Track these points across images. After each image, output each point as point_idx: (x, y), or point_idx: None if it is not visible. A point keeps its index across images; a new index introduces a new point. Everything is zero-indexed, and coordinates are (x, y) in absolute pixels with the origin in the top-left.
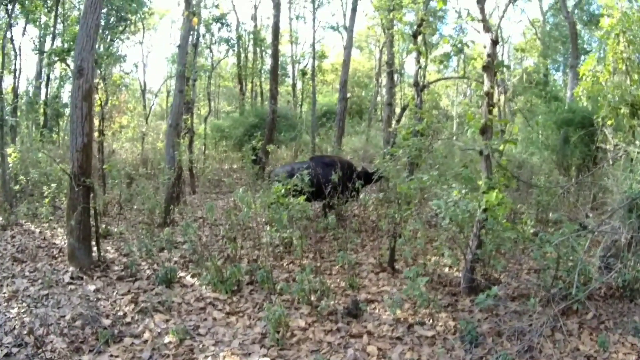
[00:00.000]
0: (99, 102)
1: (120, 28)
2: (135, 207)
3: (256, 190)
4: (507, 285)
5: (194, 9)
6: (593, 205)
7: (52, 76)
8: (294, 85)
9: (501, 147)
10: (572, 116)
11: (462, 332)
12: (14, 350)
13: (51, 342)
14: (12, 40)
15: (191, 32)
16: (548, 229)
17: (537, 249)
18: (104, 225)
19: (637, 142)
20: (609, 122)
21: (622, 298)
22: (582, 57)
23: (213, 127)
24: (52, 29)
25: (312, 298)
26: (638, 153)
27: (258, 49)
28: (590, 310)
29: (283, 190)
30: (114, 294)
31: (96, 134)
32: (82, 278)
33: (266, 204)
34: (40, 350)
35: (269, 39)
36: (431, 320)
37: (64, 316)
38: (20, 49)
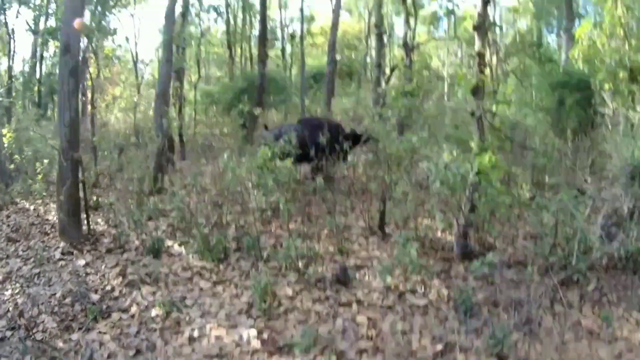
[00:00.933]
0: (91, 76)
1: (112, 2)
2: (126, 176)
3: (243, 155)
4: (503, 251)
5: None
6: (591, 170)
7: (46, 54)
8: (283, 49)
9: (494, 108)
10: (568, 79)
11: (456, 301)
12: (8, 333)
13: (42, 322)
14: (6, 24)
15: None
16: (545, 193)
17: (533, 215)
18: (95, 197)
19: (638, 108)
20: (607, 87)
21: (625, 270)
22: (577, 21)
23: (202, 93)
24: (45, 9)
25: (300, 265)
26: (639, 119)
27: (247, 15)
28: (592, 281)
29: (270, 154)
30: (103, 267)
31: (89, 107)
32: (72, 253)
33: (253, 168)
34: (31, 332)
35: (258, 6)
36: (423, 288)
37: (55, 294)
38: (13, 32)
